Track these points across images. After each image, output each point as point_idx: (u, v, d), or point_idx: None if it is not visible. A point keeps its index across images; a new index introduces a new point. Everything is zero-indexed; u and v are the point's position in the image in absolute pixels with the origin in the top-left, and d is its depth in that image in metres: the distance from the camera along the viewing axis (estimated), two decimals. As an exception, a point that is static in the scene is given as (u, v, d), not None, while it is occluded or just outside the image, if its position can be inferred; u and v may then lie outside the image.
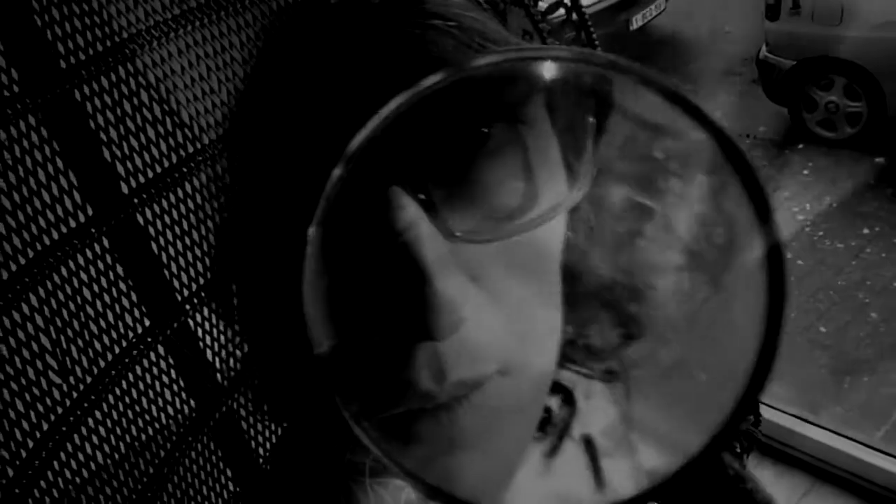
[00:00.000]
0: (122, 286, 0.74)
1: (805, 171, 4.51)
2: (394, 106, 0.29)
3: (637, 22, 5.15)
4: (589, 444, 0.43)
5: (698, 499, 0.54)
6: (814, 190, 4.42)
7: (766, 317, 0.27)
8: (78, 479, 0.68)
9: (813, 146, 4.65)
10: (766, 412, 2.11)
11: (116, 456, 0.72)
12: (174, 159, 0.73)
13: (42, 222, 0.66)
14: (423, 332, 0.32)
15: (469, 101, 0.33)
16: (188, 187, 0.75)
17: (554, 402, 0.44)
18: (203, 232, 0.77)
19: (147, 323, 0.76)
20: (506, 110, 0.35)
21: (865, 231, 4.16)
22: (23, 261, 0.65)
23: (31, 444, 0.63)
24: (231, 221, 0.46)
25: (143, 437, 0.76)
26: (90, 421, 0.69)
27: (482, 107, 0.34)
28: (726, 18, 5.87)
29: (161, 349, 0.78)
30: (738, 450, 1.04)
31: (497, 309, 0.34)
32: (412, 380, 0.33)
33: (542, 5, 0.90)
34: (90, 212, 0.70)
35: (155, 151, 0.72)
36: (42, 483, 0.64)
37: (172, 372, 0.80)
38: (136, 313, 0.75)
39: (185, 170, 0.74)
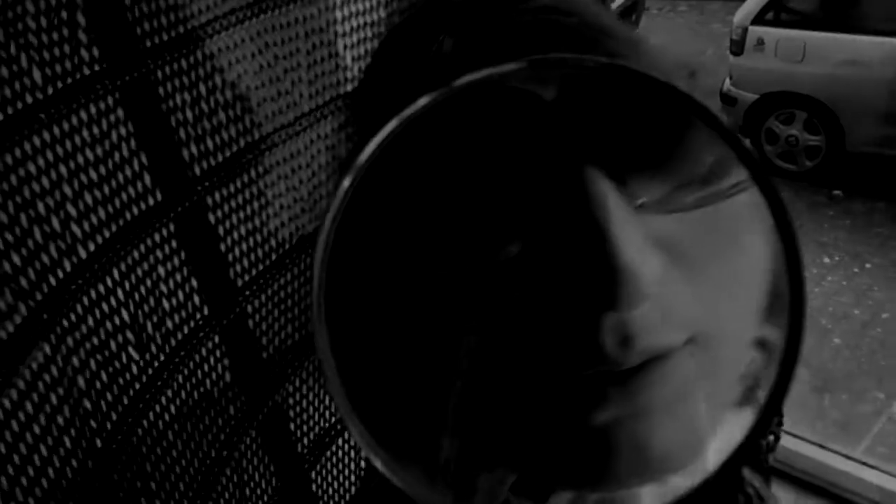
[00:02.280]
0: (185, 271, 0.74)
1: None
2: (420, 104, 0.29)
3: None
4: None
5: None
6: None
7: (786, 335, 0.29)
8: (152, 457, 0.67)
9: (774, 178, 4.76)
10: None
11: (184, 435, 0.72)
12: (242, 144, 0.74)
13: (117, 202, 0.67)
14: (608, 302, 0.32)
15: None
16: (252, 173, 0.76)
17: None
18: (265, 218, 0.78)
19: (206, 310, 0.76)
20: None
21: (826, 260, 4.27)
22: (100, 240, 0.65)
23: (114, 416, 0.63)
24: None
25: (207, 419, 0.75)
26: (163, 399, 0.69)
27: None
28: (695, 54, 6.02)
29: (217, 337, 0.78)
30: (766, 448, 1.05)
31: (688, 279, 0.35)
32: (599, 344, 0.34)
33: None
34: (159, 195, 0.70)
35: (225, 135, 0.72)
36: (121, 458, 0.64)
37: (226, 360, 0.80)
38: (196, 299, 0.76)
39: (250, 156, 0.75)
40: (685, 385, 0.36)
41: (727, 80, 4.75)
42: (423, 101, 0.29)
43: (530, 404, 0.36)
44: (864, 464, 2.13)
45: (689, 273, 0.35)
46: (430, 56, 0.37)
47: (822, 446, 2.15)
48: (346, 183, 0.29)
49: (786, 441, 2.19)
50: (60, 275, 0.61)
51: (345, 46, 0.81)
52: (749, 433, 0.30)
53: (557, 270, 0.33)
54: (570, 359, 0.34)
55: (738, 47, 4.53)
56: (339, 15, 0.80)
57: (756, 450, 0.57)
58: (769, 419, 0.29)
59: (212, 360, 0.78)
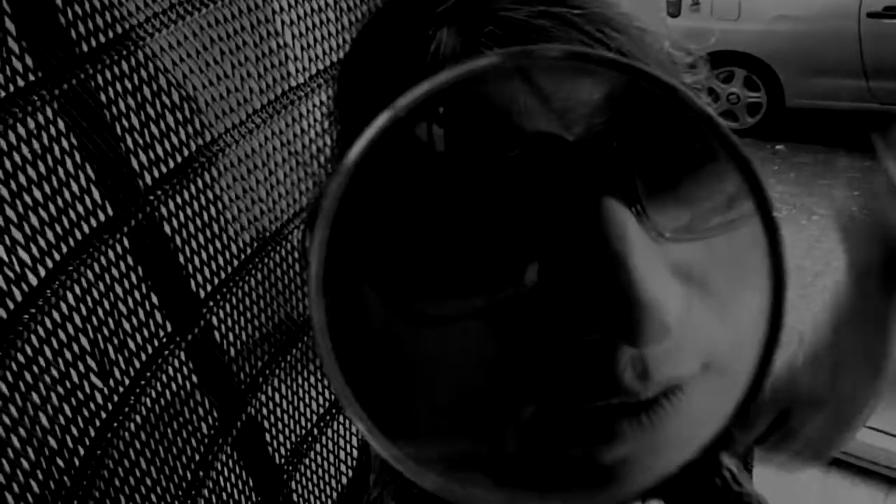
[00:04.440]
0: (144, 288, 0.70)
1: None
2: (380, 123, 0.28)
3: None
4: None
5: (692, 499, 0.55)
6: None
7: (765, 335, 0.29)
8: (126, 489, 0.63)
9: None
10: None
11: (157, 461, 0.68)
12: (193, 148, 0.70)
13: (66, 221, 0.62)
14: (629, 339, 0.31)
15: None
16: (206, 177, 0.71)
17: None
18: (223, 223, 0.74)
19: (169, 326, 0.72)
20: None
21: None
22: (50, 264, 0.61)
23: (81, 450, 0.59)
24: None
25: (179, 440, 0.71)
26: (132, 425, 0.65)
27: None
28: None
29: (182, 353, 0.74)
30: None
31: (706, 306, 0.34)
32: (616, 377, 0.32)
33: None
34: (110, 210, 0.66)
35: (175, 140, 0.68)
36: (92, 492, 0.60)
37: (194, 377, 0.76)
38: (158, 315, 0.71)
39: (203, 159, 0.71)
40: (700, 413, 0.35)
41: (665, 43, 4.78)
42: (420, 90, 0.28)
43: (538, 433, 0.35)
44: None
45: (707, 299, 0.34)
46: (425, 51, 0.35)
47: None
48: (354, 155, 0.27)
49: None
50: (11, 305, 0.56)
51: (293, 36, 0.77)
52: (728, 419, 0.30)
53: (578, 304, 0.32)
54: (586, 391, 0.33)
55: (675, 9, 4.56)
56: (284, 3, 0.76)
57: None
58: (748, 406, 0.29)
59: (179, 377, 0.73)
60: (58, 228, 0.61)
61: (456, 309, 0.34)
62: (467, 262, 0.33)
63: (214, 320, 0.77)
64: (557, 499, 0.36)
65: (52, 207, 0.61)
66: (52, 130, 0.61)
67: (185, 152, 0.69)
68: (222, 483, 0.80)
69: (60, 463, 0.56)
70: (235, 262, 0.77)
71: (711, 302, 0.34)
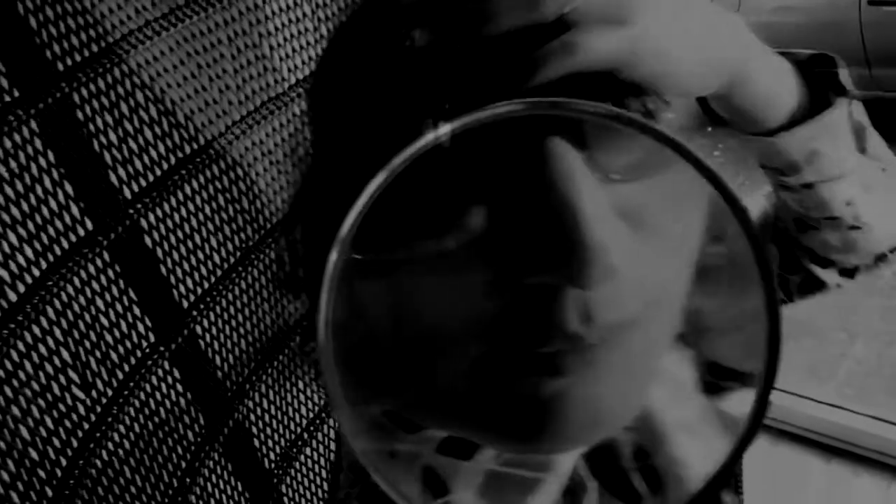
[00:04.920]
0: (126, 300, 0.71)
1: (716, 153, 4.63)
2: (375, 185, 0.28)
3: None
4: None
5: None
6: (726, 170, 4.56)
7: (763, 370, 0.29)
8: (110, 496, 0.65)
9: (720, 129, 4.81)
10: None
11: (142, 470, 0.69)
12: (172, 161, 0.71)
13: (45, 238, 0.63)
14: (574, 281, 0.31)
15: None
16: (188, 189, 0.72)
17: None
18: (205, 234, 0.75)
19: (152, 338, 0.73)
20: None
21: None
22: (29, 279, 0.62)
23: (63, 461, 0.60)
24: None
25: (165, 448, 0.72)
26: (115, 435, 0.66)
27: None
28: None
29: (166, 363, 0.75)
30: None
31: (649, 246, 0.34)
32: (560, 322, 0.32)
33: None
34: (89, 223, 0.67)
35: (148, 156, 0.69)
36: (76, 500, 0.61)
37: (179, 386, 0.77)
38: (141, 328, 0.72)
39: (183, 172, 0.72)
40: (640, 349, 0.35)
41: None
42: (407, 153, 0.28)
43: (478, 373, 0.35)
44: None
45: (649, 239, 0.34)
46: (401, 50, 0.35)
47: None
48: (334, 256, 0.28)
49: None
50: (-10, 322, 0.57)
51: (271, 47, 0.78)
52: (730, 458, 0.29)
53: (524, 246, 0.32)
54: (532, 334, 0.33)
55: (674, 2, 4.54)
56: (262, 15, 0.77)
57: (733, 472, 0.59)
58: (746, 445, 0.28)
59: (164, 387, 0.75)
60: (36, 245, 0.62)
61: (407, 254, 0.34)
62: (416, 207, 0.33)
63: (199, 329, 0.78)
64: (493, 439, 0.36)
65: (30, 224, 0.62)
66: (30, 149, 0.62)
67: (165, 166, 0.70)
68: (210, 489, 0.81)
69: (42, 474, 0.58)
70: (219, 272, 0.78)
71: (652, 242, 0.34)
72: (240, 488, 0.86)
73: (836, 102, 0.54)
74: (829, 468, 2.13)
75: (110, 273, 0.69)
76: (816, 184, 0.55)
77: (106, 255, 0.68)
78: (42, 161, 0.63)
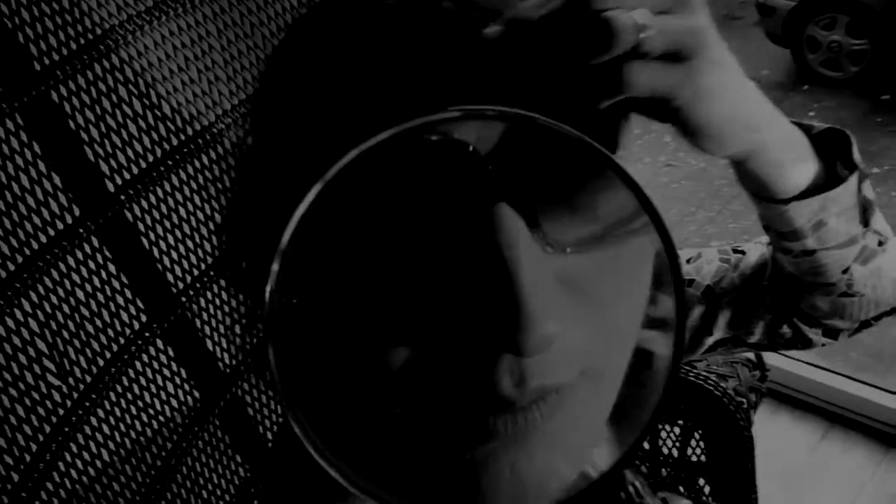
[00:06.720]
0: (116, 284, 0.74)
1: (811, 113, 4.45)
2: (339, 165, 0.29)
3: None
4: None
5: None
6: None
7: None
8: (85, 479, 0.68)
9: (817, 87, 4.59)
10: (780, 362, 2.12)
11: (123, 452, 0.73)
12: (158, 153, 0.73)
13: (29, 226, 0.66)
14: (511, 348, 0.31)
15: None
16: (175, 180, 0.74)
17: None
18: (194, 223, 0.77)
19: (143, 318, 0.77)
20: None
21: (875, 170, 4.11)
22: (12, 267, 0.65)
23: (34, 447, 0.64)
24: (243, 201, 0.46)
25: (149, 431, 0.76)
26: (93, 420, 0.69)
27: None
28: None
29: (160, 342, 0.78)
30: (747, 405, 1.04)
31: (587, 315, 0.34)
32: (494, 384, 0.33)
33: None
34: (77, 212, 0.70)
35: (138, 147, 0.71)
36: (48, 485, 0.65)
37: (174, 364, 0.80)
38: (133, 309, 0.76)
39: (170, 163, 0.74)
40: (572, 417, 0.36)
41: (763, -10, 4.56)
42: (342, 161, 0.29)
43: (418, 435, 0.36)
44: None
45: (590, 310, 0.34)
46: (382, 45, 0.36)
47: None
48: (276, 267, 0.29)
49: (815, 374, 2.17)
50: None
51: (264, 37, 0.79)
52: (629, 448, 0.31)
53: (464, 310, 0.32)
54: (464, 396, 0.34)
55: (772, -47, 4.33)
56: (253, 4, 0.77)
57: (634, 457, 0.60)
58: (645, 436, 0.30)
59: (155, 364, 0.78)
60: (21, 234, 0.66)
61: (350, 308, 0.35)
62: (362, 260, 0.34)
63: (195, 308, 0.81)
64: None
65: (14, 214, 0.65)
66: (15, 142, 0.65)
67: (151, 158, 0.72)
68: (205, 459, 0.85)
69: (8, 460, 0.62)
70: (209, 259, 0.80)
71: (592, 311, 0.35)
72: (238, 459, 0.90)
73: (848, 179, 0.54)
74: (822, 440, 2.11)
75: (98, 258, 0.72)
76: (818, 251, 0.57)
77: (94, 242, 0.71)
78: (28, 154, 0.66)
